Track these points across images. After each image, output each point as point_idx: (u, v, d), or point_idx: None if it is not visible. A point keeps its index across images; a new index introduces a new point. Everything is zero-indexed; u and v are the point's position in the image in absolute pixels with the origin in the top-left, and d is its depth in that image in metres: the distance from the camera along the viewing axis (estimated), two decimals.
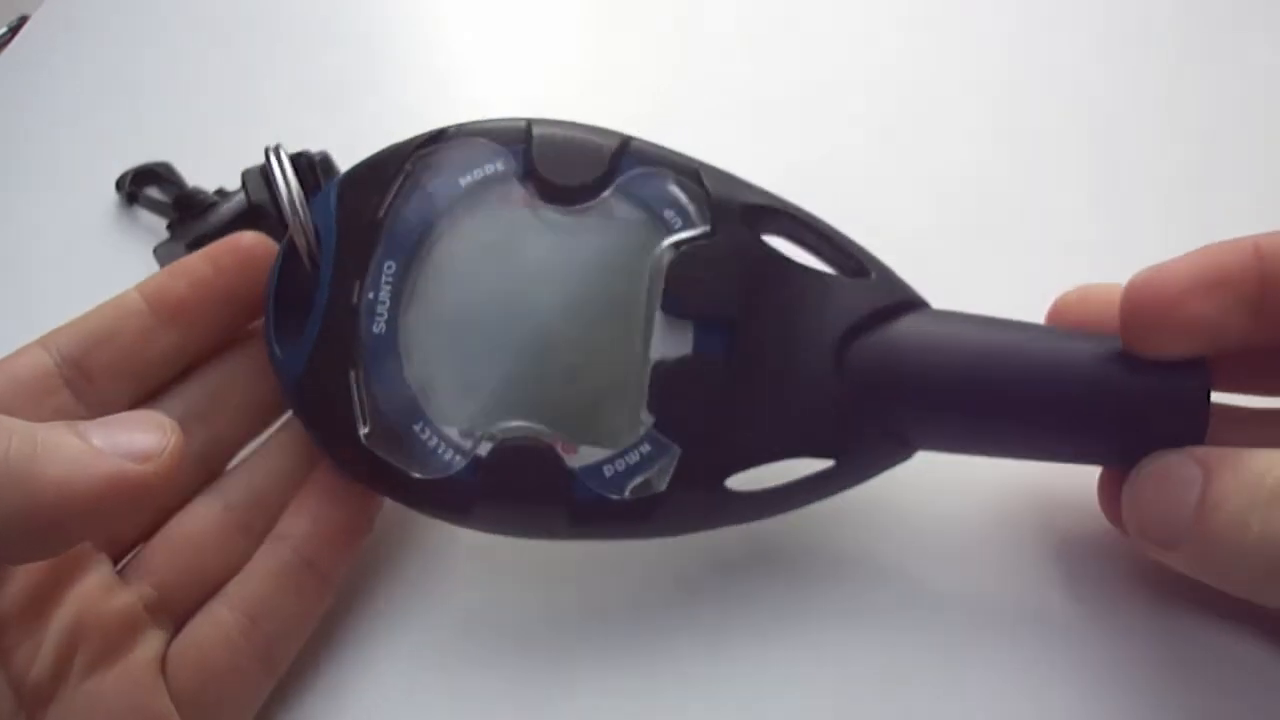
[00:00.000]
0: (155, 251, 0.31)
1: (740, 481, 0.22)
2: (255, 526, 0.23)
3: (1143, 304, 0.21)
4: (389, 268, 0.22)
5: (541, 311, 0.22)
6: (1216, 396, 0.22)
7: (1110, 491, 0.23)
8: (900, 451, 0.23)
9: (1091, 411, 0.21)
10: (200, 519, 0.23)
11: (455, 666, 0.24)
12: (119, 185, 0.35)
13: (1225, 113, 0.34)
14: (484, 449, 0.22)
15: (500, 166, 0.23)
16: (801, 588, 0.24)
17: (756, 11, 0.41)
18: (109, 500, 0.18)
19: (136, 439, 0.19)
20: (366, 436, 0.22)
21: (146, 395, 0.23)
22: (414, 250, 0.22)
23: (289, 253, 0.23)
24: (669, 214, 0.22)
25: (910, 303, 0.23)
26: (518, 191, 0.22)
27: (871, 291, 0.22)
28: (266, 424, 0.25)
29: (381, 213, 0.22)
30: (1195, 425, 0.21)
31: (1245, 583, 0.19)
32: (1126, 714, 0.22)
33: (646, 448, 0.22)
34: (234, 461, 0.24)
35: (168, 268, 0.23)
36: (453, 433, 0.22)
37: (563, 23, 0.42)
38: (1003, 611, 0.24)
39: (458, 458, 0.22)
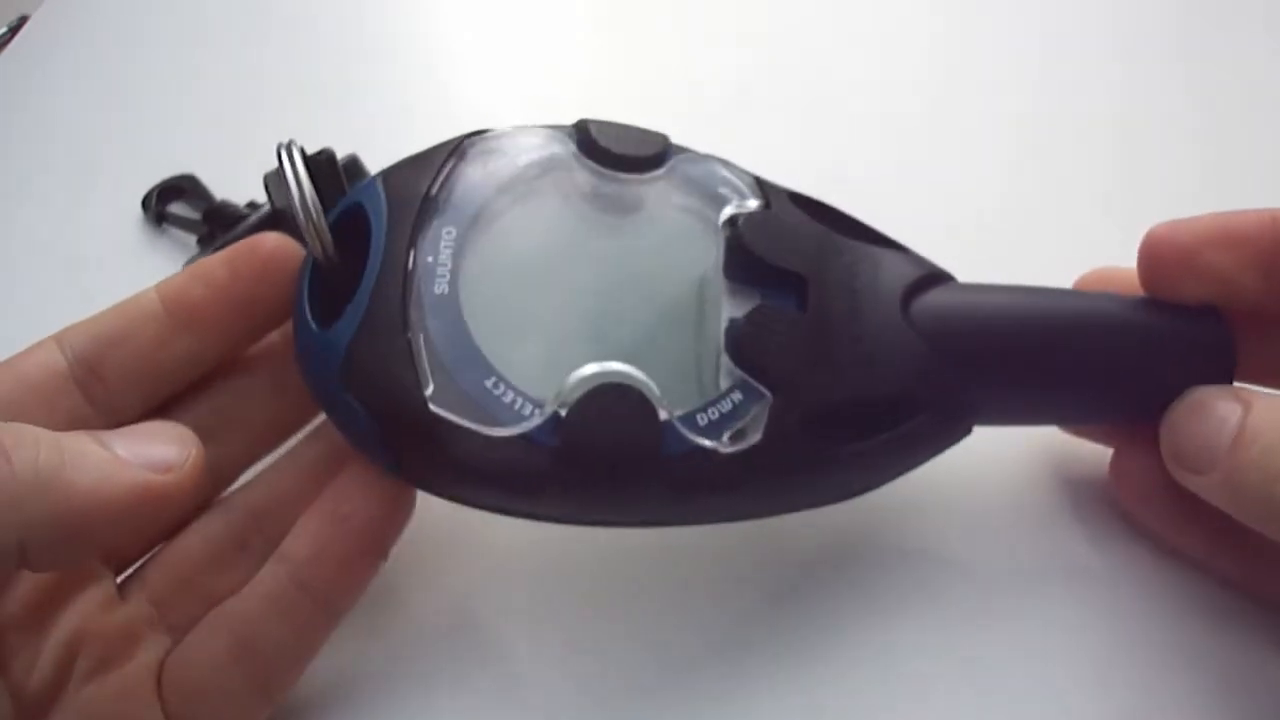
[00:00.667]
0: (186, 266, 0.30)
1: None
2: (254, 545, 0.23)
3: (1161, 250, 0.22)
4: (449, 233, 0.21)
5: (608, 280, 0.22)
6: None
7: (1121, 472, 0.24)
8: (963, 421, 0.23)
9: (1127, 357, 0.23)
10: (200, 536, 0.23)
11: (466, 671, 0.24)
12: (145, 205, 0.35)
13: (1246, 108, 0.35)
14: (563, 408, 0.20)
15: (558, 149, 0.23)
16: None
17: (762, 10, 0.41)
18: (134, 510, 0.18)
19: (159, 450, 0.19)
20: (432, 396, 0.20)
21: (159, 401, 0.23)
22: (474, 220, 0.22)
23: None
24: (723, 190, 0.23)
25: (943, 275, 0.24)
26: (578, 165, 0.23)
27: (914, 261, 0.24)
28: (275, 445, 0.24)
29: (435, 189, 0.22)
30: (1225, 363, 0.22)
31: (1268, 514, 0.20)
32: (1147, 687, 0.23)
33: (738, 395, 0.21)
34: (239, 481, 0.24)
35: (188, 269, 0.23)
36: (528, 388, 0.20)
37: (567, 24, 0.42)
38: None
39: (534, 410, 0.20)
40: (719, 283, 0.22)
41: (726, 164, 0.24)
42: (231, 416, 0.23)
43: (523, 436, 0.20)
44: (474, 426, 0.20)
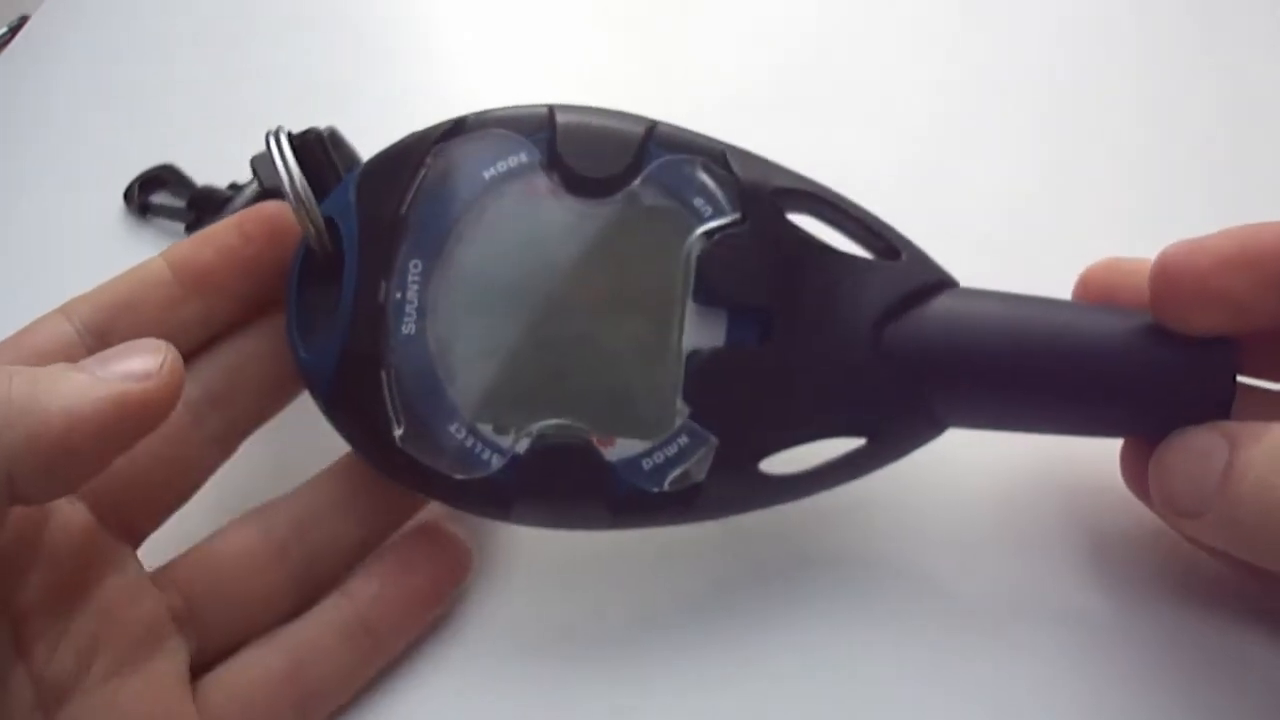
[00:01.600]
0: None
1: (775, 464, 0.22)
2: (293, 553, 0.23)
3: (1173, 276, 0.21)
4: (415, 266, 0.22)
5: (573, 306, 0.22)
6: (1244, 379, 0.22)
7: (1133, 464, 0.23)
8: (932, 430, 0.23)
9: (1121, 386, 0.22)
10: (239, 538, 0.23)
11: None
12: (128, 197, 0.35)
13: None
14: (522, 446, 0.22)
15: (524, 158, 0.22)
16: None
17: (773, 7, 0.41)
18: (115, 421, 0.18)
19: (133, 362, 0.19)
20: (401, 438, 0.22)
21: None
22: (440, 248, 0.22)
23: (309, 249, 0.22)
24: (698, 202, 0.22)
25: (942, 283, 0.23)
26: (543, 183, 0.22)
27: (903, 273, 0.22)
28: (284, 402, 0.24)
29: (404, 209, 0.22)
30: (1222, 401, 0.21)
31: (1269, 548, 0.19)
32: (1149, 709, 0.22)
33: (684, 439, 0.21)
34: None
35: (195, 235, 0.23)
36: (488, 431, 0.22)
37: (570, 20, 0.42)
38: (1031, 606, 0.24)
39: (495, 456, 0.22)
40: (686, 307, 0.22)
41: (708, 163, 0.22)
42: (241, 378, 0.23)
43: (485, 479, 0.22)
44: (440, 469, 0.22)
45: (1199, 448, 0.20)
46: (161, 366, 0.19)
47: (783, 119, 0.35)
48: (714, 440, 0.21)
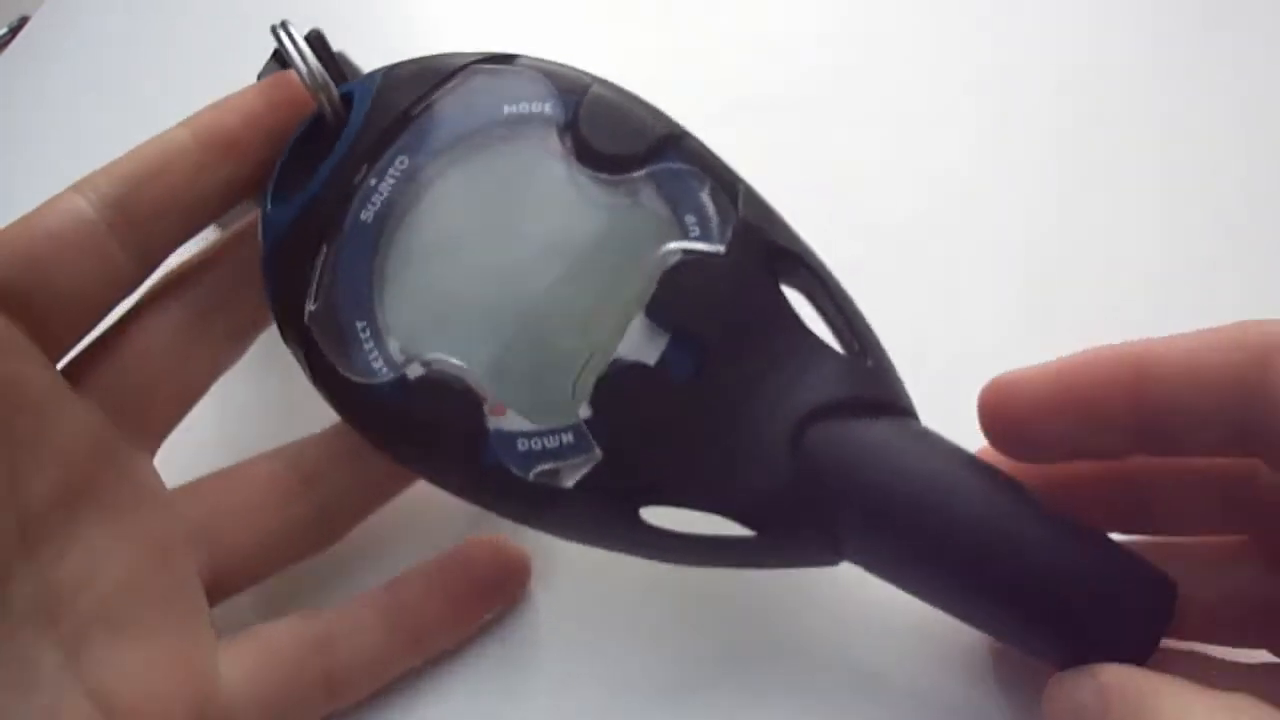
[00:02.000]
0: None
1: (657, 516, 0.21)
2: (315, 490, 0.23)
3: (998, 413, 0.19)
4: (400, 163, 0.21)
5: (529, 267, 0.21)
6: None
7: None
8: (828, 555, 0.21)
9: (1032, 597, 0.19)
10: (260, 470, 0.23)
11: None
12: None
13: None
14: (414, 371, 0.21)
15: (547, 109, 0.22)
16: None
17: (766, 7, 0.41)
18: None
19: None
20: (310, 314, 0.21)
21: (191, 235, 0.22)
22: (430, 156, 0.21)
23: (316, 120, 0.22)
24: (690, 219, 0.21)
25: (896, 406, 0.21)
26: (554, 140, 0.22)
27: (859, 378, 0.21)
28: None
29: (415, 109, 0.21)
30: (1139, 646, 0.19)
31: None
32: None
33: (569, 438, 0.21)
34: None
35: (217, 102, 0.23)
36: (392, 345, 0.21)
37: (573, 16, 0.42)
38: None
39: (386, 369, 0.21)
40: (634, 315, 0.21)
41: (716, 189, 0.21)
42: (251, 277, 0.22)
43: (367, 387, 0.21)
44: (330, 359, 0.21)
45: (1071, 699, 0.18)
46: None
47: (788, 120, 0.35)
48: (598, 454, 0.20)
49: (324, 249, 0.21)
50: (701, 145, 0.22)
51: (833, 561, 0.21)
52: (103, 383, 0.21)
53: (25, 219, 0.20)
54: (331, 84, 0.22)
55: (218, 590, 0.22)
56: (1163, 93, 0.34)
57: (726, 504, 0.20)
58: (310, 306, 0.21)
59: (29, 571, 0.19)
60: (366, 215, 0.21)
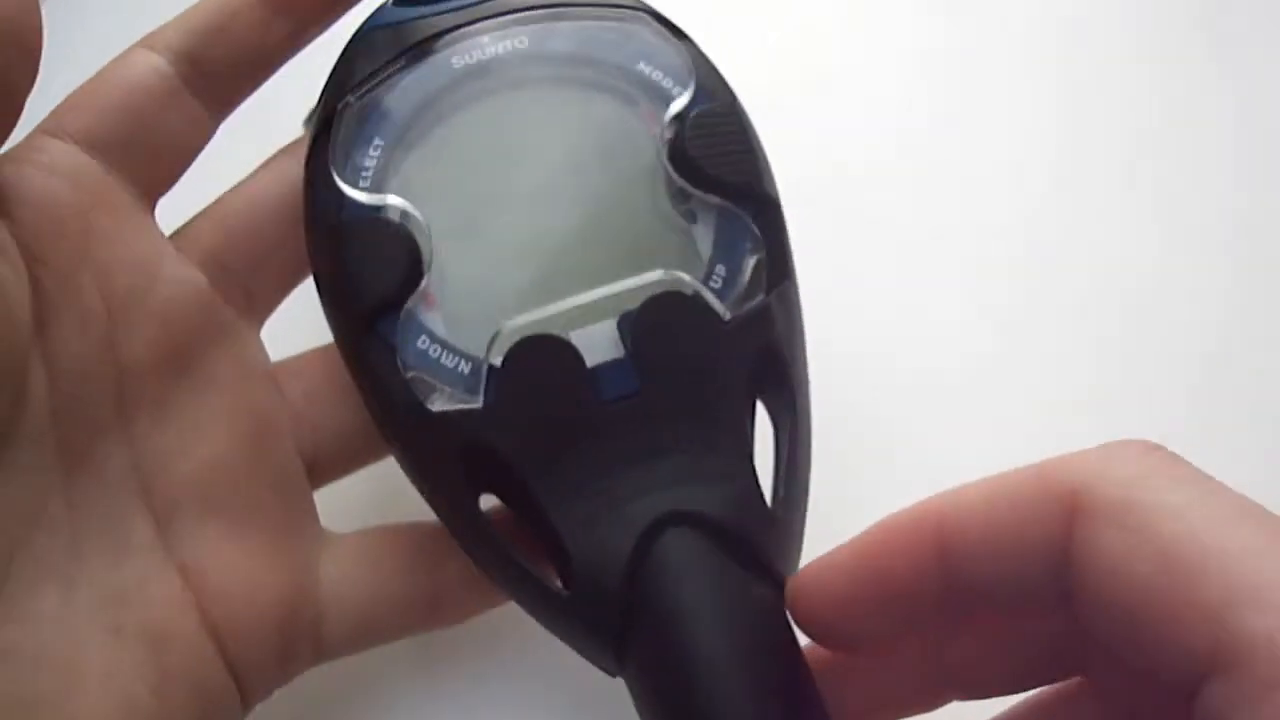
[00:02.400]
0: None
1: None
2: None
3: (806, 616, 0.17)
4: (520, 40, 0.21)
5: (554, 201, 0.21)
6: None
7: None
8: (610, 659, 0.18)
9: None
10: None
11: None
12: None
13: None
14: (387, 206, 0.20)
15: (675, 92, 0.21)
16: None
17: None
18: None
19: None
20: (346, 104, 0.21)
21: (260, 86, 0.22)
22: (548, 57, 0.21)
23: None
24: (719, 270, 0.20)
25: (770, 569, 0.18)
26: (660, 120, 0.20)
27: (758, 520, 0.18)
28: None
29: (570, 6, 0.21)
30: None
31: None
32: None
33: (465, 369, 0.19)
34: None
35: None
36: (393, 182, 0.20)
37: None
38: None
39: (367, 188, 0.20)
40: (609, 316, 0.19)
41: (764, 265, 0.20)
42: None
43: (340, 194, 0.20)
44: (331, 152, 0.20)
45: None
46: None
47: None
48: (478, 402, 0.19)
49: (401, 61, 0.20)
50: (783, 226, 0.21)
51: (611, 670, 0.19)
52: (209, 250, 0.20)
53: (103, 74, 0.20)
54: None
55: (319, 475, 0.21)
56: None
57: (555, 537, 0.18)
58: (351, 98, 0.20)
59: (124, 436, 0.19)
60: (458, 61, 0.21)
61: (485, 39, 0.21)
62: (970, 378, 0.29)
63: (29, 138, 0.19)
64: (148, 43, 0.21)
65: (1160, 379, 0.29)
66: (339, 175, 0.20)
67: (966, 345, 0.30)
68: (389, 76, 0.21)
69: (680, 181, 0.20)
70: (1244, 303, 0.30)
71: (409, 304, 0.19)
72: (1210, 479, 0.14)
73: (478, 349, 0.19)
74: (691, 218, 0.20)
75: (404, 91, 0.21)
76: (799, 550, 0.19)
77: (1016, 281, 0.31)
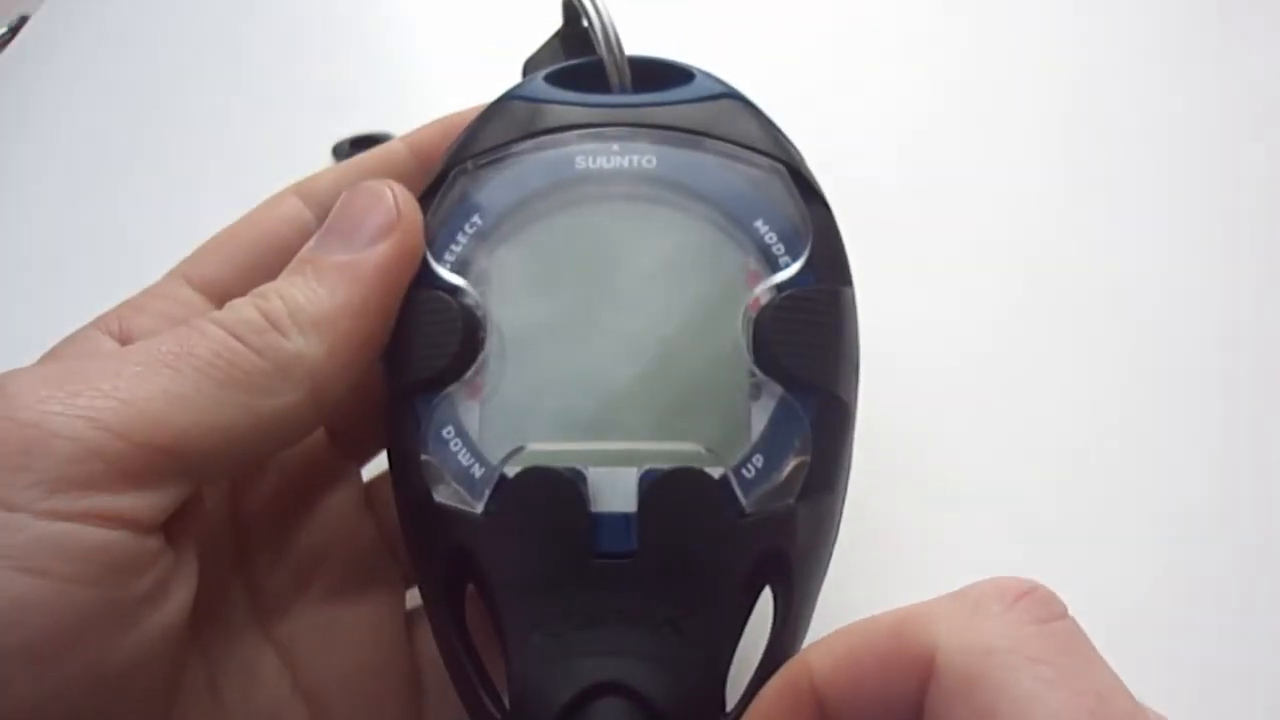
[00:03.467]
0: None
1: None
2: None
3: None
4: (647, 160, 0.20)
5: (628, 340, 0.20)
6: None
7: None
8: None
9: None
10: None
11: None
12: (338, 154, 0.36)
13: None
14: (468, 290, 0.20)
15: (785, 262, 0.20)
16: None
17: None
18: (389, 286, 0.19)
19: (371, 221, 0.19)
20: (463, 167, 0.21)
21: None
22: (687, 187, 0.20)
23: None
24: (757, 459, 0.19)
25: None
26: (758, 288, 0.19)
27: (696, 712, 0.18)
28: None
29: (718, 134, 0.21)
30: None
31: None
32: None
33: (478, 472, 0.19)
34: None
35: (436, 121, 0.23)
36: (475, 267, 0.20)
37: None
38: None
39: (452, 269, 0.20)
40: (633, 472, 0.19)
41: (806, 474, 0.19)
42: None
43: (434, 272, 0.20)
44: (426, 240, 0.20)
45: None
46: (397, 207, 0.19)
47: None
48: (477, 510, 0.19)
49: (528, 142, 0.20)
50: (845, 434, 0.20)
51: None
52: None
53: (251, 216, 0.21)
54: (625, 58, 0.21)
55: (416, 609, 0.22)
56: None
57: (507, 657, 0.18)
58: (469, 164, 0.20)
59: (241, 582, 0.20)
60: (580, 162, 0.20)
61: (615, 146, 0.20)
62: (981, 381, 0.29)
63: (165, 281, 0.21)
64: (300, 189, 0.21)
65: (1172, 380, 0.29)
66: (432, 253, 0.20)
67: (979, 349, 0.30)
68: (510, 155, 0.20)
69: (751, 360, 0.19)
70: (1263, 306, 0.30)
71: (451, 388, 0.19)
72: (1064, 650, 0.14)
73: (495, 456, 0.19)
74: (756, 393, 0.19)
75: (517, 177, 0.20)
76: None
77: (1030, 285, 0.31)
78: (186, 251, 0.33)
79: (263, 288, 0.19)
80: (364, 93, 0.38)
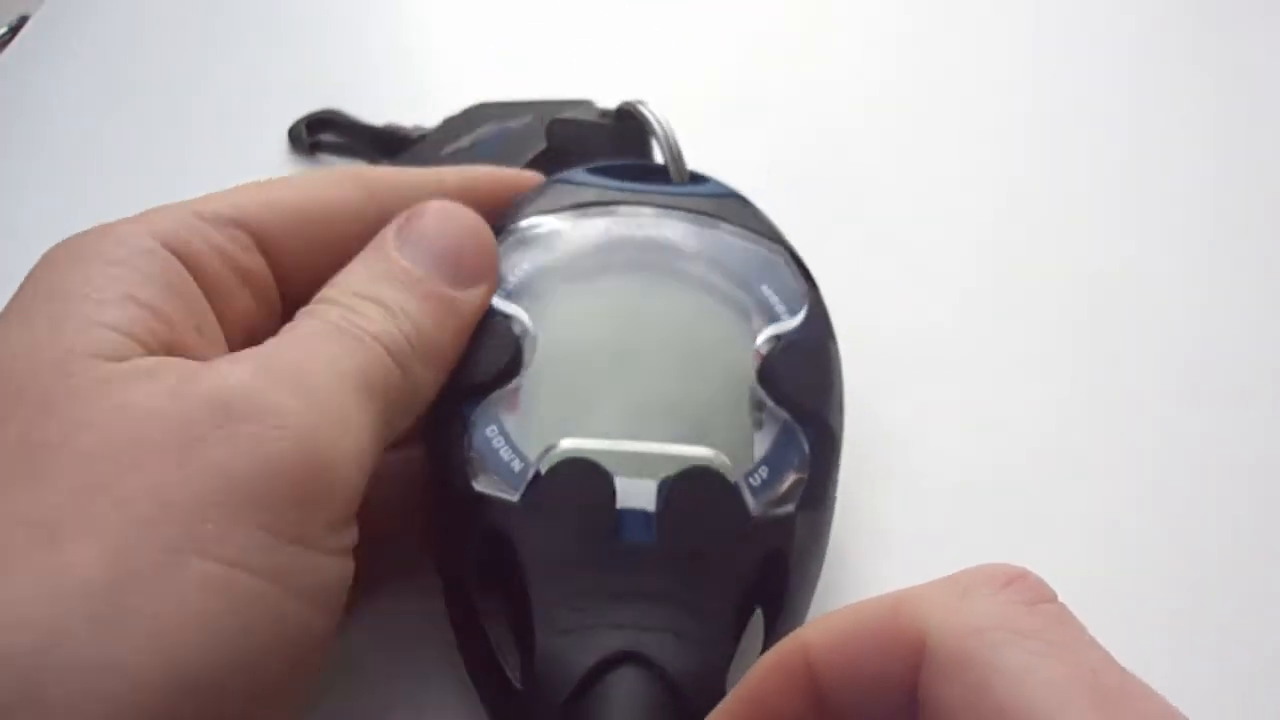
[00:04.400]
0: None
1: None
2: None
3: None
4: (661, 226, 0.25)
5: (660, 373, 0.23)
6: None
7: None
8: None
9: None
10: None
11: None
12: (295, 137, 0.36)
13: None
14: (527, 337, 0.23)
15: (786, 317, 0.23)
16: None
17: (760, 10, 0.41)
18: (471, 328, 0.21)
19: (471, 261, 0.21)
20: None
21: None
22: (698, 256, 0.24)
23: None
24: (762, 473, 0.21)
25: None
26: (759, 343, 0.23)
27: (695, 676, 0.19)
28: None
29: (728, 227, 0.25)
30: None
31: None
32: None
33: (516, 467, 0.21)
34: None
35: (500, 171, 0.25)
36: (527, 299, 0.23)
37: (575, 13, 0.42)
38: None
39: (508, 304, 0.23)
40: (653, 481, 0.21)
41: (809, 460, 0.22)
42: None
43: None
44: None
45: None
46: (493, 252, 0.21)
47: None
48: (515, 498, 0.21)
49: (570, 212, 0.24)
50: (834, 460, 0.23)
51: None
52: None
53: (306, 179, 0.22)
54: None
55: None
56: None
57: (529, 633, 0.20)
58: (519, 226, 0.24)
59: None
60: (614, 229, 0.24)
61: (648, 221, 0.24)
62: (967, 375, 0.29)
63: None
64: (362, 180, 0.23)
65: (1150, 374, 0.29)
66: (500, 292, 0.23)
67: (960, 340, 0.30)
68: (561, 216, 0.24)
69: (760, 392, 0.22)
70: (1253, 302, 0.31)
71: (495, 396, 0.22)
72: (1055, 628, 0.14)
73: (533, 454, 0.21)
74: (759, 424, 0.22)
75: (561, 234, 0.24)
76: None
77: (1012, 280, 0.31)
78: None
79: (385, 301, 0.19)
80: (365, 93, 0.38)
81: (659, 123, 0.26)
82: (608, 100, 0.30)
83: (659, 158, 0.26)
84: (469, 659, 0.21)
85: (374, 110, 0.37)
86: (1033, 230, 0.33)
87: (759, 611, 0.22)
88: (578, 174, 0.25)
